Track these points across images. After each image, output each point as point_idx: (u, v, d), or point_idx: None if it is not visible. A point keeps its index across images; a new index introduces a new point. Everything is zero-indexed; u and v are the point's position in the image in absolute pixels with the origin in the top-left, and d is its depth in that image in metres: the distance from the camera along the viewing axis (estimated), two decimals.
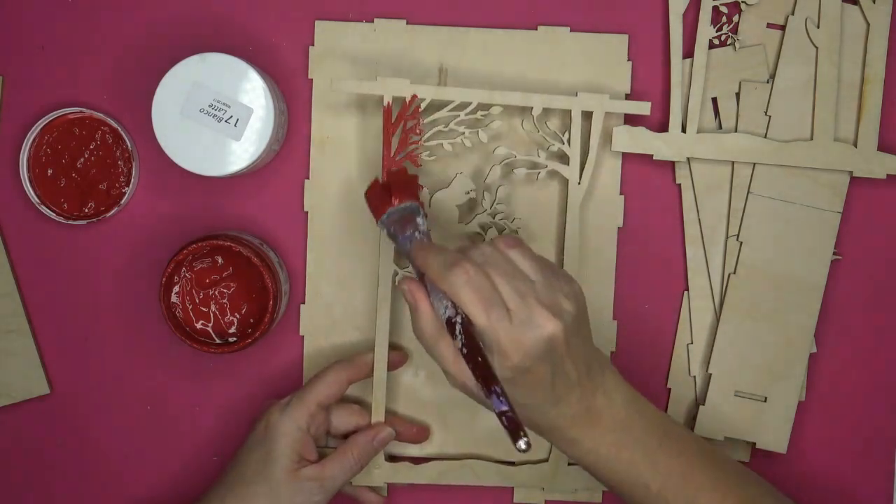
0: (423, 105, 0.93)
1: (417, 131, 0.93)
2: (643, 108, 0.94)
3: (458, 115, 0.93)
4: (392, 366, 0.97)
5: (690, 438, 0.88)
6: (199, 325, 0.97)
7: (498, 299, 0.78)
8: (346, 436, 0.96)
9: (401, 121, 0.92)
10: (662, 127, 0.99)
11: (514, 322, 0.78)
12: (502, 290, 0.79)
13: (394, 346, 0.99)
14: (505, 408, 0.77)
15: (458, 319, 0.79)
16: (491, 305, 0.78)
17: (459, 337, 0.79)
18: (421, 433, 0.99)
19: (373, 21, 1.00)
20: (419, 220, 0.87)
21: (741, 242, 0.99)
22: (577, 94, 0.94)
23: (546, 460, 1.00)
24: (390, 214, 0.88)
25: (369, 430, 0.96)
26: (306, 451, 0.92)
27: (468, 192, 0.94)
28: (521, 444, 0.76)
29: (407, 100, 0.92)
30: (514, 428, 0.77)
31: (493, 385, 0.77)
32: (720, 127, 1.00)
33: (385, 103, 0.92)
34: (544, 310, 0.79)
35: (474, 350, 0.79)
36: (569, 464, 1.00)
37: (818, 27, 0.98)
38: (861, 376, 1.01)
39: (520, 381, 0.79)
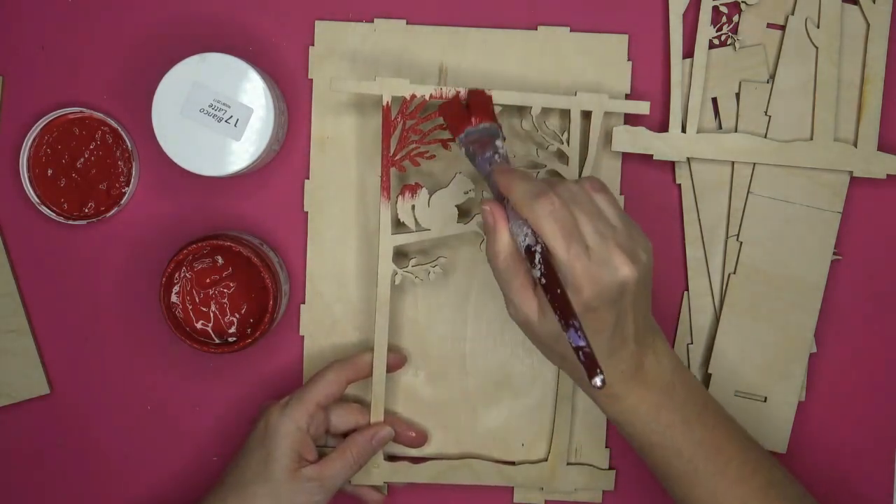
0: (415, 103, 0.92)
1: (416, 131, 0.93)
2: (642, 107, 0.94)
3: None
4: (391, 367, 0.97)
5: (727, 416, 0.89)
6: (199, 325, 0.97)
7: (579, 235, 0.79)
8: (345, 434, 0.96)
9: (400, 121, 0.92)
10: (662, 127, 0.99)
11: (592, 259, 0.78)
12: (584, 229, 0.79)
13: (393, 348, 0.99)
14: (582, 343, 0.76)
15: (539, 249, 0.79)
16: (572, 240, 0.78)
17: (539, 266, 0.78)
18: (419, 438, 0.99)
19: (373, 21, 1.00)
20: (498, 142, 0.87)
21: (741, 242, 0.99)
22: (576, 94, 0.94)
23: (545, 460, 1.00)
24: (469, 134, 0.88)
25: (368, 429, 0.96)
26: (306, 452, 0.92)
27: (467, 192, 0.94)
28: (598, 380, 0.75)
29: (406, 99, 0.92)
30: (591, 364, 0.75)
31: (571, 318, 0.76)
32: (720, 127, 1.00)
33: (384, 103, 0.92)
34: (623, 254, 0.79)
35: (554, 281, 0.78)
36: (568, 463, 1.00)
37: (818, 27, 0.98)
38: (861, 376, 1.01)
39: (584, 320, 0.79)
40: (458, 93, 0.91)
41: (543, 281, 0.78)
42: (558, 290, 0.77)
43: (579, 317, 0.78)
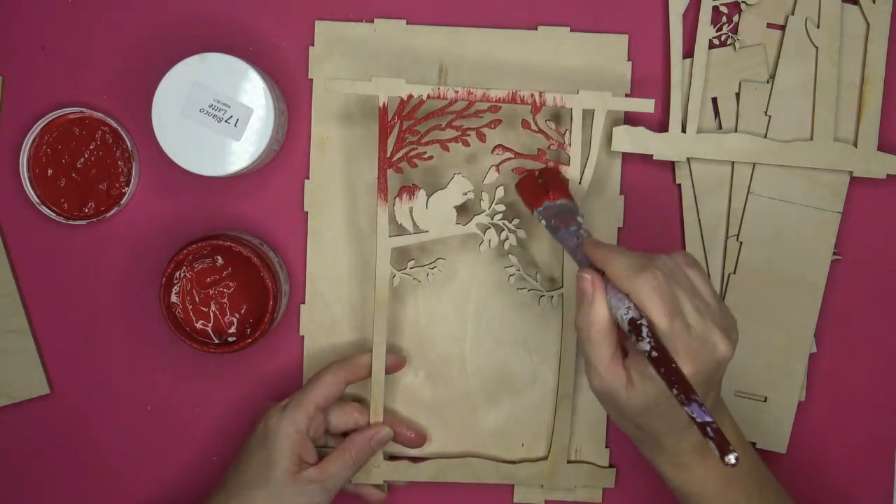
0: (412, 104, 0.92)
1: (414, 132, 0.92)
2: (647, 105, 0.93)
3: (455, 115, 0.93)
4: (390, 369, 0.97)
5: (781, 491, 0.90)
6: (199, 325, 0.97)
7: (680, 311, 0.79)
8: (345, 434, 0.96)
9: (396, 121, 0.92)
10: (662, 127, 0.99)
11: (692, 336, 0.78)
12: (684, 305, 0.79)
13: (392, 349, 0.99)
14: (710, 418, 0.73)
15: (645, 322, 0.78)
16: (675, 316, 0.78)
17: (648, 339, 0.77)
18: (419, 438, 0.99)
19: (373, 21, 1.00)
20: (579, 218, 0.88)
21: (741, 242, 0.99)
22: (578, 92, 0.93)
23: (545, 458, 1.00)
24: (547, 207, 0.89)
25: (367, 429, 0.96)
26: (306, 454, 0.92)
27: (466, 193, 0.94)
28: (731, 458, 0.72)
29: (403, 99, 0.92)
30: (723, 440, 0.73)
31: (692, 393, 0.75)
32: (720, 127, 1.00)
33: (380, 104, 0.92)
34: (721, 332, 0.79)
35: (666, 355, 0.77)
36: (568, 461, 1.00)
37: (818, 27, 0.98)
38: (861, 376, 1.01)
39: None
40: (531, 172, 0.93)
41: (654, 354, 0.77)
42: (673, 365, 0.76)
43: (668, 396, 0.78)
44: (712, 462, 0.85)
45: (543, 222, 0.89)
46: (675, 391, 0.75)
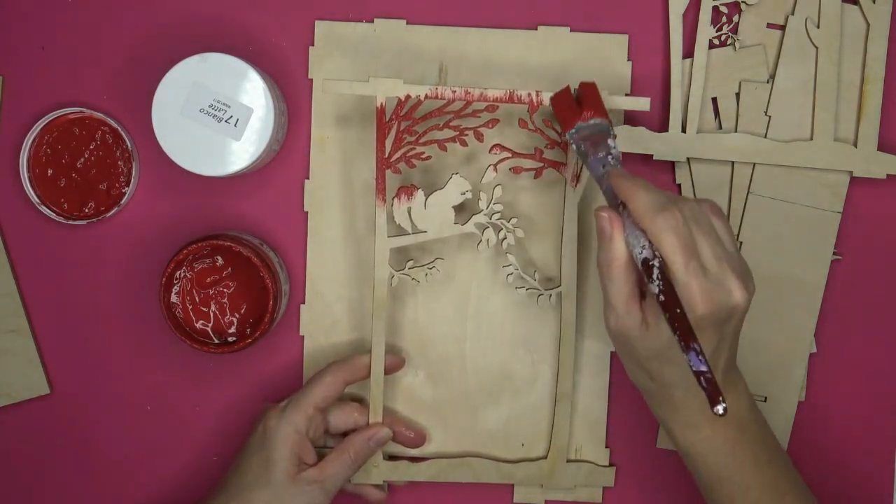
0: (410, 104, 0.92)
1: (412, 132, 0.92)
2: (643, 104, 0.92)
3: (453, 115, 0.93)
4: (389, 369, 0.97)
5: (790, 463, 0.90)
6: (199, 325, 0.97)
7: (697, 254, 0.78)
8: (345, 434, 0.96)
9: (394, 122, 0.92)
10: (662, 127, 0.99)
11: (708, 278, 0.78)
12: (702, 249, 0.79)
13: (392, 349, 0.99)
14: (704, 368, 0.74)
15: (657, 263, 0.78)
16: (691, 257, 0.78)
17: (657, 282, 0.77)
18: (418, 438, 0.99)
19: (373, 21, 1.00)
20: (611, 141, 0.85)
21: (741, 242, 0.99)
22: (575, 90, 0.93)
23: (545, 458, 1.00)
24: (580, 129, 0.86)
25: (366, 429, 0.96)
26: (305, 455, 0.92)
27: (464, 193, 0.94)
28: (720, 408, 0.73)
29: (401, 100, 0.92)
30: (714, 390, 0.74)
31: (692, 341, 0.75)
32: (720, 127, 1.00)
33: (378, 104, 0.91)
34: (738, 279, 0.79)
35: (674, 299, 0.77)
36: (568, 461, 1.00)
37: (818, 27, 0.98)
38: (861, 376, 1.01)
39: None
40: (567, 86, 0.89)
41: (662, 298, 0.77)
42: (678, 310, 0.76)
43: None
44: (721, 423, 0.85)
45: (574, 146, 0.86)
46: (677, 336, 0.75)
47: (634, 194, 0.80)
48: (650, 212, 0.79)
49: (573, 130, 0.86)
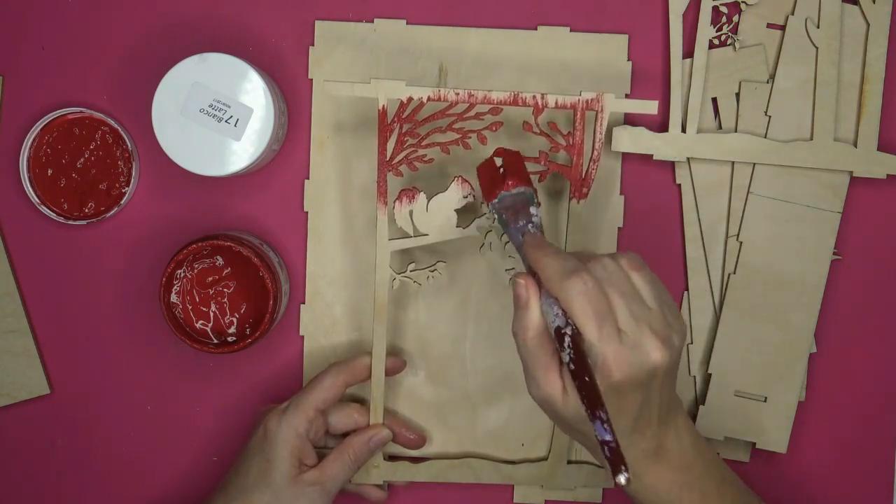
0: (412, 106, 0.92)
1: (414, 134, 0.92)
2: (650, 106, 0.91)
3: (456, 118, 0.92)
4: (390, 372, 0.96)
5: (741, 486, 0.88)
6: (199, 325, 0.97)
7: (611, 317, 0.77)
8: (345, 435, 0.96)
9: (396, 124, 0.92)
10: (662, 127, 0.99)
11: (623, 342, 0.77)
12: (618, 310, 0.77)
13: (392, 350, 0.99)
14: (609, 438, 0.73)
15: (569, 331, 0.77)
16: (604, 322, 0.76)
17: (568, 350, 0.76)
18: (418, 440, 0.99)
19: (373, 21, 1.00)
20: (533, 209, 0.85)
21: (741, 242, 0.99)
22: (580, 93, 0.92)
23: (545, 458, 1.00)
24: (503, 199, 0.86)
25: (366, 430, 0.95)
26: (306, 457, 0.92)
27: (466, 196, 0.93)
28: (622, 478, 0.72)
29: (403, 102, 0.91)
30: (617, 460, 0.72)
31: (598, 410, 0.74)
32: (720, 127, 1.00)
33: (379, 106, 0.91)
34: (656, 339, 0.77)
35: (583, 367, 0.75)
36: (568, 461, 1.00)
37: (818, 27, 0.98)
38: (861, 376, 1.01)
39: (610, 402, 0.77)
40: (491, 157, 0.89)
41: (572, 366, 0.76)
42: (586, 378, 0.75)
43: (606, 399, 0.76)
44: (663, 469, 0.83)
45: (495, 215, 0.86)
46: (584, 404, 0.74)
47: (541, 262, 0.79)
48: (558, 278, 0.77)
49: (496, 200, 0.86)
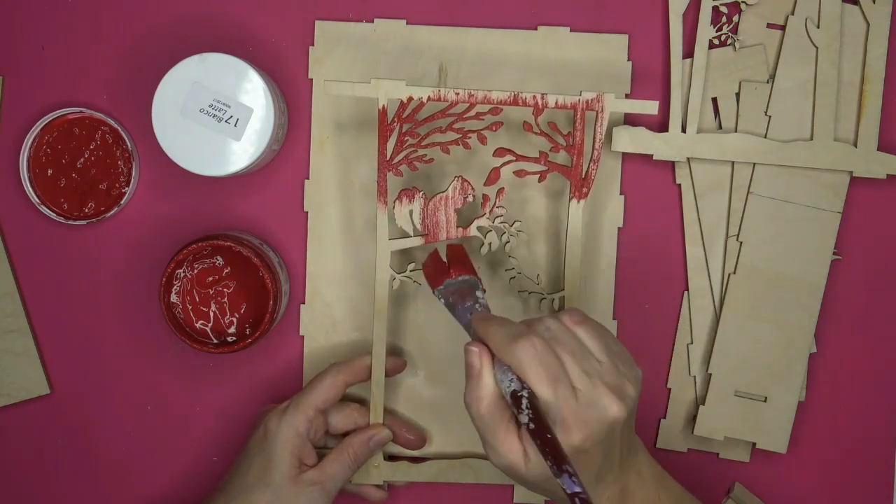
0: (412, 106, 0.92)
1: (414, 134, 0.92)
2: (650, 107, 0.92)
3: (457, 118, 0.92)
4: (390, 372, 0.96)
5: None
6: (198, 325, 0.97)
7: (565, 377, 0.77)
8: (345, 435, 0.96)
9: (396, 123, 0.92)
10: (662, 127, 0.99)
11: (579, 401, 0.77)
12: (569, 369, 0.78)
13: (392, 350, 0.99)
14: (579, 489, 0.73)
15: (525, 393, 0.77)
16: (558, 382, 0.77)
17: (527, 412, 0.77)
18: (418, 440, 0.99)
19: (373, 21, 1.00)
20: (478, 293, 0.88)
21: (741, 242, 0.99)
22: (580, 93, 0.92)
23: None
24: (448, 285, 0.89)
25: (366, 429, 0.95)
26: (306, 457, 0.92)
27: (466, 196, 0.93)
28: None
29: (403, 102, 0.91)
30: None
31: (564, 464, 0.74)
32: (720, 127, 1.00)
33: (380, 106, 0.91)
34: (611, 393, 0.78)
35: (543, 426, 0.76)
36: None
37: (818, 27, 0.98)
38: (861, 376, 1.01)
39: (574, 460, 0.78)
40: (435, 251, 0.92)
41: (532, 426, 0.76)
42: (549, 436, 0.76)
43: (570, 460, 0.76)
44: None
45: (442, 300, 0.89)
46: (548, 462, 0.74)
47: (489, 331, 0.80)
48: (507, 344, 0.78)
49: (441, 287, 0.89)
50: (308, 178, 1.00)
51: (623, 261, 1.01)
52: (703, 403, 1.00)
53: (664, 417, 1.01)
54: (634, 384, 0.80)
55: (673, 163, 1.00)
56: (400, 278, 0.94)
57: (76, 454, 1.01)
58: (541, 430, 0.76)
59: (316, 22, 1.00)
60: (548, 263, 1.00)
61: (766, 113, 0.99)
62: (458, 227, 0.93)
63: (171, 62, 0.93)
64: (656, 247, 1.01)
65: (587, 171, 0.93)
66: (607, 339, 0.81)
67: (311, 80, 1.00)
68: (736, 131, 0.99)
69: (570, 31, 1.00)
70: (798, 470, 1.01)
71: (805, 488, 1.01)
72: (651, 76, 1.00)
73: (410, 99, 0.91)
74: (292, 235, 1.01)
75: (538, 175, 0.94)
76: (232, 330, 0.97)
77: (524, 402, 0.77)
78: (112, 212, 0.98)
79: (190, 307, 0.96)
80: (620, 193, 1.00)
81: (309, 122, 1.00)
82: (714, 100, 1.00)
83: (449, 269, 0.90)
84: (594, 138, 0.92)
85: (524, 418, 0.76)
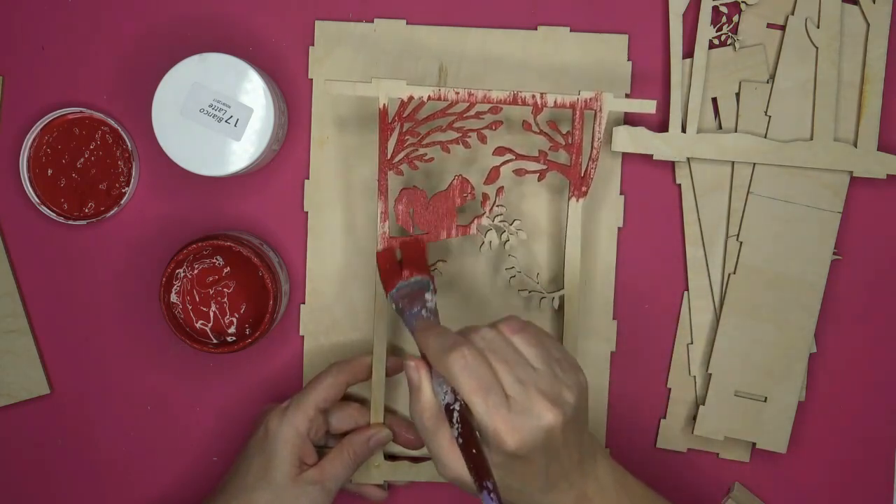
0: (413, 105, 0.92)
1: (414, 133, 0.92)
2: (648, 106, 0.92)
3: (457, 117, 0.92)
4: (390, 372, 0.96)
5: None
6: (198, 325, 0.97)
7: (497, 386, 0.77)
8: (346, 434, 0.96)
9: (397, 123, 0.92)
10: (662, 127, 0.99)
11: (512, 410, 0.77)
12: (502, 378, 0.78)
13: (393, 350, 0.99)
14: None
15: (457, 407, 0.78)
16: (489, 392, 0.77)
17: (456, 425, 0.78)
18: (419, 440, 0.99)
19: (373, 21, 1.00)
20: (428, 295, 0.87)
21: (741, 242, 0.99)
22: (580, 93, 0.92)
23: None
24: (400, 289, 0.89)
25: (366, 429, 0.95)
26: (306, 456, 0.92)
27: (466, 195, 0.94)
28: None
29: (404, 101, 0.91)
30: None
31: (484, 480, 0.75)
32: (720, 127, 1.00)
33: (380, 105, 0.91)
34: (545, 400, 0.78)
35: (470, 440, 0.77)
36: None
37: (818, 27, 0.98)
38: (861, 376, 1.01)
39: (514, 467, 0.78)
40: (390, 248, 0.92)
41: (460, 441, 0.77)
42: (473, 451, 0.76)
43: (505, 465, 0.77)
44: None
45: (393, 306, 0.89)
46: (472, 476, 0.76)
47: (426, 342, 0.81)
48: (440, 355, 0.78)
49: (394, 290, 0.89)
50: (308, 178, 1.00)
51: (623, 261, 1.01)
52: (703, 403, 1.00)
53: (664, 417, 1.01)
54: (574, 390, 0.80)
55: (673, 163, 1.00)
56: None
57: (76, 454, 1.01)
58: (467, 445, 0.77)
59: (316, 22, 1.00)
60: (547, 262, 1.00)
61: (766, 113, 0.99)
62: (458, 225, 0.94)
63: (171, 62, 0.93)
64: (656, 247, 1.01)
65: (586, 170, 0.93)
66: (548, 346, 0.81)
67: (311, 80, 1.00)
68: (736, 131, 0.99)
69: (570, 31, 1.00)
70: (798, 470, 1.01)
71: (805, 488, 1.01)
72: (651, 76, 1.00)
73: (411, 98, 0.91)
74: (292, 235, 1.01)
75: (538, 174, 0.94)
76: (232, 330, 0.97)
77: (455, 415, 0.78)
78: (112, 212, 0.98)
79: (190, 307, 0.96)
80: (620, 193, 1.00)
81: (309, 121, 1.00)
82: (714, 100, 1.00)
83: (402, 270, 0.90)
84: (593, 137, 0.92)
85: (454, 432, 0.78)
